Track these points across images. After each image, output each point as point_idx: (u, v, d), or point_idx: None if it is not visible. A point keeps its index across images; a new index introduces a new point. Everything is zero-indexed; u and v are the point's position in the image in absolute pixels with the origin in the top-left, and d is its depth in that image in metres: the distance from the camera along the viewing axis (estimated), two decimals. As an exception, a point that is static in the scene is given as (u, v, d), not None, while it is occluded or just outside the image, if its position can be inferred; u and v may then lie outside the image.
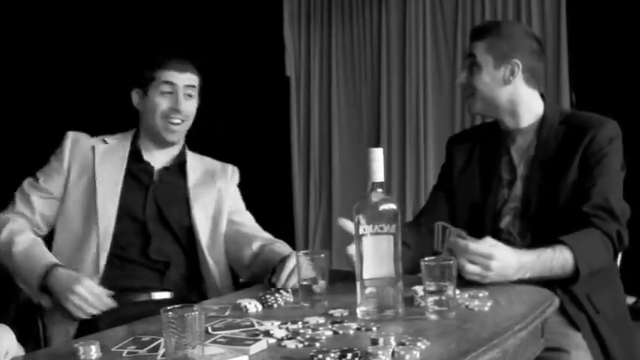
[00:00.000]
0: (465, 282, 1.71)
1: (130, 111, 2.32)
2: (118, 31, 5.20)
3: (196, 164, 2.35)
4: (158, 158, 2.30)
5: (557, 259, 1.79)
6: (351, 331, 1.42)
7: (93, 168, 2.19)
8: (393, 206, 1.52)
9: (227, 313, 1.61)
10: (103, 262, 2.09)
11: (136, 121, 2.32)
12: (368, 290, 1.51)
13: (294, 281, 1.81)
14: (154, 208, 2.21)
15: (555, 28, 4.36)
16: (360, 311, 1.52)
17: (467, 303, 1.58)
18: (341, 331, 1.42)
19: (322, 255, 1.70)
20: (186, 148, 2.37)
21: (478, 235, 1.81)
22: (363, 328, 1.43)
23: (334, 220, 5.31)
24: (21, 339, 1.41)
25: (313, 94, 5.38)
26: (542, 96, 2.12)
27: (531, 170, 2.03)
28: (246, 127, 5.49)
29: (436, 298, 1.49)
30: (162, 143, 2.27)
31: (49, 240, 2.19)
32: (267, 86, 5.46)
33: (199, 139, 2.40)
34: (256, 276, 2.16)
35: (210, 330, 1.44)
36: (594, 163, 1.94)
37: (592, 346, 1.84)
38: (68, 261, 2.07)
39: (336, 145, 5.30)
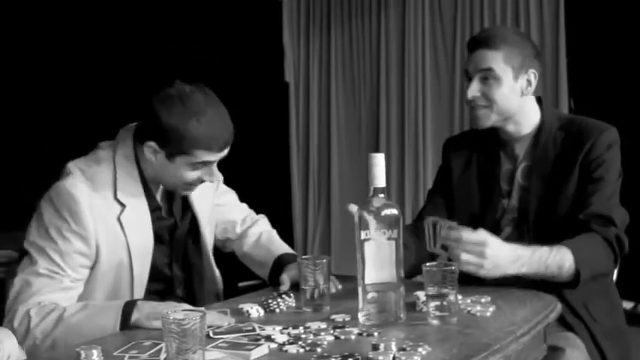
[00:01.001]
0: (467, 285, 1.70)
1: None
2: (118, 34, 5.21)
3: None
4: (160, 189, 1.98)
5: (554, 257, 1.76)
6: (353, 336, 1.42)
7: (126, 247, 1.83)
8: (394, 211, 1.52)
9: (228, 317, 1.61)
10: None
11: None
12: (370, 295, 1.51)
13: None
14: (178, 261, 2.00)
15: (554, 34, 4.37)
16: (361, 316, 1.52)
17: (469, 308, 1.58)
18: (342, 336, 1.42)
19: (324, 260, 1.70)
20: None
21: None
22: (365, 333, 1.43)
23: (333, 225, 5.31)
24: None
25: (312, 99, 5.39)
26: (539, 99, 2.07)
27: (530, 180, 2.00)
28: (245, 133, 5.47)
29: (438, 303, 1.49)
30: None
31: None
32: (266, 92, 5.47)
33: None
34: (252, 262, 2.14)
35: (211, 334, 1.44)
36: (593, 170, 1.93)
37: (591, 353, 1.84)
38: None
39: (335, 151, 5.30)
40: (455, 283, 1.50)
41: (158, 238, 1.90)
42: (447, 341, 1.37)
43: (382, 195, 1.52)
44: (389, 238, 1.50)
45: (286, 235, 5.76)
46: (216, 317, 1.57)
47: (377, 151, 4.95)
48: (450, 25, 4.83)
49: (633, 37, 4.08)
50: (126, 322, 1.62)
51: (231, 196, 2.29)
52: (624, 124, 2.04)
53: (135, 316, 1.62)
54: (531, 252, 1.75)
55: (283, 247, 2.14)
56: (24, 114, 5.18)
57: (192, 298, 2.03)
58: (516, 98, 1.98)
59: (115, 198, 1.82)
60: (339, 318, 1.56)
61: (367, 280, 1.51)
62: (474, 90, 1.98)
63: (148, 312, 1.61)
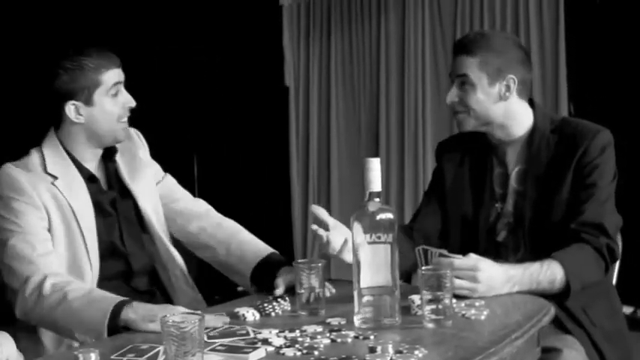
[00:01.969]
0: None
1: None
2: (118, 35, 5.22)
3: (121, 156, 2.13)
4: (94, 163, 2.08)
5: (545, 273, 1.78)
6: (349, 340, 1.43)
7: (71, 211, 1.94)
8: (390, 215, 1.53)
9: (224, 318, 1.62)
10: None
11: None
12: (365, 299, 1.52)
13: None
14: (129, 235, 2.06)
15: (554, 38, 4.38)
16: (357, 319, 1.53)
17: (463, 312, 1.59)
18: (339, 339, 1.43)
19: (319, 264, 1.71)
20: None
21: (473, 250, 1.81)
22: (361, 337, 1.44)
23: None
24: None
25: (312, 103, 5.40)
26: (532, 101, 2.07)
27: (524, 185, 2.00)
28: (245, 137, 5.51)
29: (433, 306, 1.50)
30: (102, 146, 2.07)
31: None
32: (267, 96, 5.48)
33: (199, 148, 2.40)
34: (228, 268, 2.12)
35: (206, 338, 1.44)
36: (586, 175, 1.93)
37: (591, 357, 1.85)
38: None
39: (335, 155, 5.31)
40: (450, 288, 1.51)
41: (100, 210, 2.01)
42: (443, 344, 1.38)
43: (378, 199, 1.53)
44: (384, 243, 1.51)
45: (286, 238, 5.80)
46: (212, 319, 1.58)
47: (377, 154, 4.98)
48: (449, 29, 4.84)
49: (633, 41, 4.09)
50: (116, 318, 1.65)
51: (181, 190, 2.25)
52: (624, 128, 2.04)
53: (130, 317, 1.64)
54: (522, 270, 1.77)
55: (262, 247, 2.11)
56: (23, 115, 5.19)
57: (160, 285, 2.09)
58: (494, 104, 1.98)
59: (46, 171, 1.97)
60: (334, 321, 1.57)
61: (363, 284, 1.52)
62: (452, 95, 2.01)
63: (143, 314, 1.63)
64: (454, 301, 1.59)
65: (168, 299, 2.11)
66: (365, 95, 5.22)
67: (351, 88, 5.28)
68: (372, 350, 1.32)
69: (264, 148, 5.51)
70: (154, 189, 2.16)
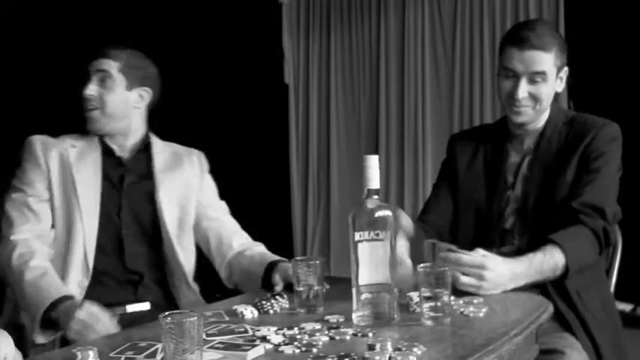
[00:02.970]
0: (460, 290, 1.72)
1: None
2: (118, 35, 5.22)
3: (162, 152, 2.27)
4: (124, 149, 2.21)
5: (548, 263, 1.81)
6: (348, 337, 1.43)
7: (70, 172, 2.10)
8: (388, 213, 1.52)
9: (226, 319, 1.62)
10: (86, 281, 2.03)
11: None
12: (363, 296, 1.52)
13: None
14: (128, 212, 2.14)
15: (553, 35, 4.38)
16: (355, 317, 1.53)
17: (462, 309, 1.59)
18: (337, 337, 1.43)
19: (318, 261, 1.71)
20: (152, 135, 2.29)
21: (485, 238, 1.81)
22: (360, 334, 1.44)
23: (332, 226, 5.33)
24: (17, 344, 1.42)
25: (312, 101, 5.40)
26: None
27: (532, 170, 2.04)
28: (245, 134, 5.51)
29: (432, 304, 1.50)
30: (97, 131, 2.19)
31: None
32: (266, 93, 5.48)
33: (198, 146, 2.40)
34: (237, 280, 2.16)
35: (204, 336, 1.44)
36: (591, 161, 1.97)
37: (586, 347, 1.86)
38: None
39: (335, 152, 5.32)
40: (448, 285, 1.51)
41: (108, 180, 2.14)
42: (442, 342, 1.38)
43: (376, 196, 1.53)
44: (383, 240, 1.51)
45: (286, 236, 5.80)
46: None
47: (376, 152, 4.98)
48: (449, 28, 4.84)
49: (633, 38, 4.09)
50: (50, 311, 1.84)
51: (225, 215, 2.32)
52: (624, 125, 2.05)
53: (61, 317, 1.82)
54: (528, 265, 1.79)
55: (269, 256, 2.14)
56: (22, 116, 5.20)
57: (160, 275, 2.16)
58: (552, 97, 2.04)
59: (71, 145, 2.15)
60: (333, 319, 1.57)
61: (361, 281, 1.52)
62: (524, 90, 2.00)
63: (78, 320, 1.79)
64: (452, 298, 1.59)
65: (167, 291, 2.16)
66: (365, 93, 5.22)
67: (350, 86, 5.28)
68: (371, 348, 1.32)
69: (263, 146, 5.51)
70: (179, 199, 2.21)
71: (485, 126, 2.18)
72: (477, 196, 2.10)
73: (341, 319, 1.56)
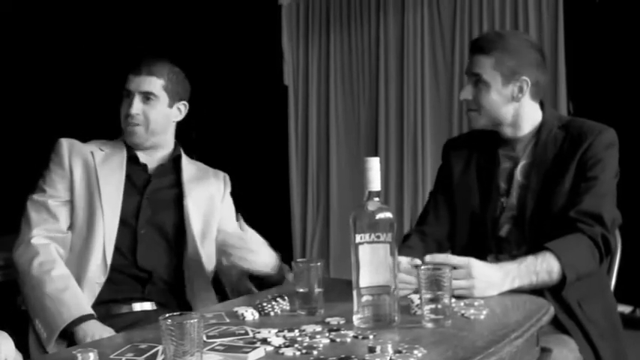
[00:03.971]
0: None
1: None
2: (118, 35, 5.22)
3: (190, 165, 2.34)
4: (152, 159, 2.28)
5: (541, 264, 1.79)
6: (348, 339, 1.43)
7: (95, 174, 2.15)
8: (389, 215, 1.52)
9: (227, 321, 1.62)
10: (103, 278, 2.07)
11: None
12: (364, 298, 1.52)
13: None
14: (147, 213, 2.18)
15: (553, 37, 4.38)
16: (356, 319, 1.53)
17: (463, 311, 1.59)
18: (338, 339, 1.43)
19: (318, 263, 1.71)
20: (181, 149, 2.35)
21: (481, 245, 1.80)
22: (360, 336, 1.44)
23: (332, 228, 5.32)
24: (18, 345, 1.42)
25: (311, 103, 5.40)
26: (541, 103, 2.10)
27: (528, 177, 2.03)
28: (244, 136, 5.51)
29: (432, 306, 1.50)
30: (137, 146, 2.26)
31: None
32: (266, 95, 5.48)
33: (198, 147, 2.41)
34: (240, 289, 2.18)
35: (204, 338, 1.44)
36: (589, 169, 1.95)
37: (585, 352, 1.85)
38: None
39: (334, 154, 5.32)
40: (449, 287, 1.51)
41: (131, 183, 2.19)
42: (442, 344, 1.38)
43: (377, 199, 1.53)
44: (383, 242, 1.50)
45: (285, 238, 5.80)
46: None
47: (376, 153, 4.98)
48: (448, 29, 4.84)
49: (632, 40, 4.09)
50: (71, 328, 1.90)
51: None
52: (623, 128, 2.05)
53: (80, 335, 1.87)
54: (517, 264, 1.78)
55: None
56: (19, 117, 5.20)
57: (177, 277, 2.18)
58: (506, 104, 2.02)
59: (99, 148, 2.22)
60: (333, 321, 1.57)
61: (362, 284, 1.52)
62: (466, 93, 2.05)
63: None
64: (453, 300, 1.59)
65: (179, 293, 2.18)
66: (364, 94, 5.22)
67: (350, 87, 5.28)
68: (372, 350, 1.32)
69: (263, 147, 5.51)
70: (205, 211, 2.25)
71: (477, 131, 2.15)
72: (472, 202, 2.09)
73: (341, 321, 1.56)
